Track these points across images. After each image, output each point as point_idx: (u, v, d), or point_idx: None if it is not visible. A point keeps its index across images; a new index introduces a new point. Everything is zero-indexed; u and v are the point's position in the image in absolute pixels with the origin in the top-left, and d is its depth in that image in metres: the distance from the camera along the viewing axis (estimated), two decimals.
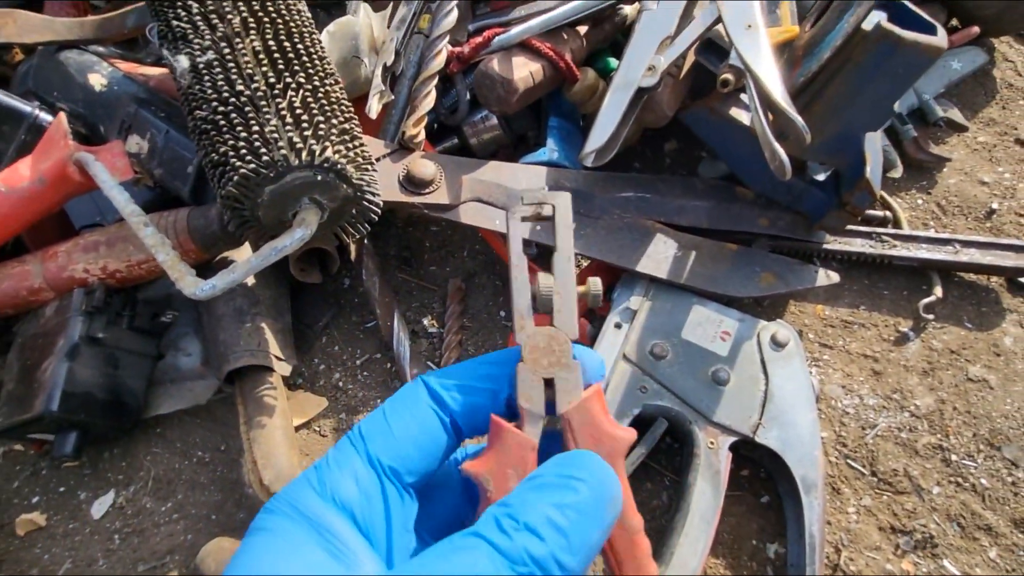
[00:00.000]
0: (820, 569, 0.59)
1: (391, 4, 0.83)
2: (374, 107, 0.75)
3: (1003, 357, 0.72)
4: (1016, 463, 0.66)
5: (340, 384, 0.79)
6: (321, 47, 0.65)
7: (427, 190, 0.74)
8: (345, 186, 0.60)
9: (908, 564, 0.63)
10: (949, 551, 0.63)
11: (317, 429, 0.76)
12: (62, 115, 0.72)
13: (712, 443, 0.64)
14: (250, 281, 0.76)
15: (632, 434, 0.34)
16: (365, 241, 0.80)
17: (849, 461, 0.68)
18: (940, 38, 0.60)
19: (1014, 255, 0.74)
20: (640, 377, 0.67)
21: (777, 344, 0.68)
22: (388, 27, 0.82)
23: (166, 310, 0.78)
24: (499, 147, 0.87)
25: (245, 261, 0.61)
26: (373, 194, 0.64)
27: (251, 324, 0.73)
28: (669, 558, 0.60)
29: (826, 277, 0.73)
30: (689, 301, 0.71)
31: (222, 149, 0.56)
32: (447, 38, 0.77)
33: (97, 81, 0.84)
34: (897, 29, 0.59)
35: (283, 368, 0.74)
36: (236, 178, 0.55)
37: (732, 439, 0.64)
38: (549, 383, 0.36)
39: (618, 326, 0.70)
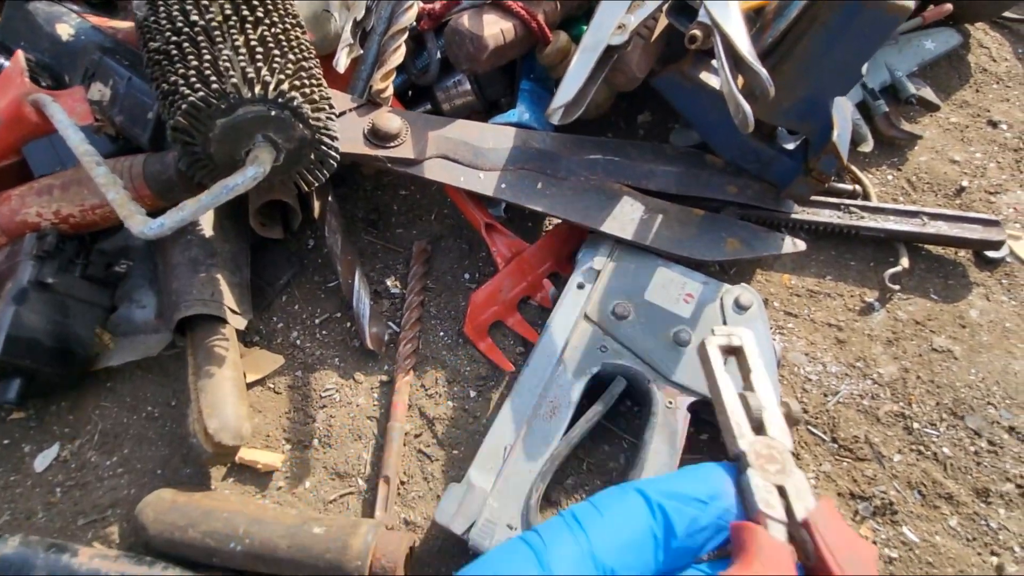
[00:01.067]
0: None
1: None
2: (342, 61, 0.74)
3: (968, 329, 0.71)
4: (979, 432, 0.65)
5: (298, 342, 0.77)
6: None
7: (392, 144, 0.73)
8: (301, 126, 0.59)
9: (866, 530, 0.61)
10: (909, 518, 0.62)
11: (272, 386, 0.74)
12: (19, 53, 0.70)
13: (671, 403, 0.63)
14: (208, 233, 0.75)
15: (874, 550, 0.35)
16: (329, 197, 0.79)
17: (810, 427, 0.67)
18: None
19: (981, 228, 0.74)
20: (600, 337, 0.66)
21: (740, 307, 0.67)
22: None
23: (121, 260, 0.76)
24: (472, 113, 0.86)
25: (195, 200, 0.59)
26: (331, 138, 0.63)
27: (206, 274, 0.71)
28: None
29: (792, 245, 0.72)
30: (654, 263, 0.70)
31: (172, 78, 0.54)
32: None
33: (64, 31, 0.83)
34: None
35: (237, 322, 0.72)
36: (185, 107, 0.53)
37: (691, 399, 0.63)
38: (780, 490, 0.38)
39: (580, 286, 0.69)
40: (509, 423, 0.63)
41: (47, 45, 0.83)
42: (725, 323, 0.66)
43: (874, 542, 0.61)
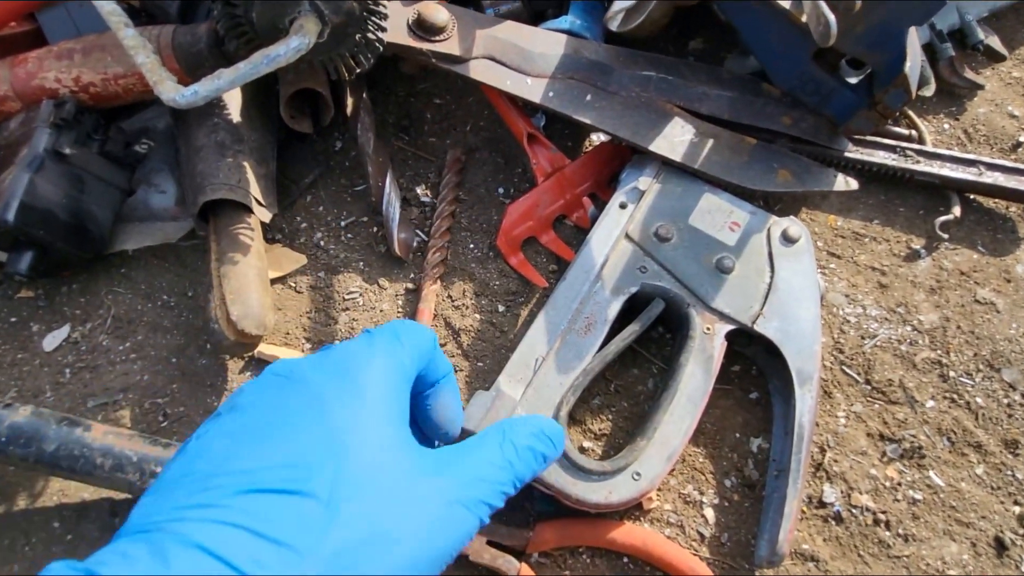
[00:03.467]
0: (804, 465, 0.57)
1: None
2: None
3: (1013, 284, 0.69)
4: (1014, 386, 0.64)
5: (321, 244, 0.74)
6: None
7: (438, 37, 0.68)
8: None
9: (893, 471, 0.61)
10: (936, 463, 0.61)
11: (293, 285, 0.72)
12: None
13: (708, 328, 0.61)
14: (236, 119, 0.71)
15: None
16: (363, 95, 0.75)
17: (844, 368, 0.65)
18: None
19: None
20: (641, 257, 0.64)
21: (788, 240, 0.64)
22: None
23: (141, 140, 0.72)
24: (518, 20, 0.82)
25: (233, 68, 0.56)
26: (380, 16, 0.59)
27: (233, 160, 0.67)
28: (652, 433, 0.57)
29: (845, 183, 0.70)
30: (700, 188, 0.67)
31: None
32: None
33: None
34: None
35: (263, 214, 0.69)
36: None
37: (729, 327, 0.61)
38: None
39: (623, 206, 0.66)
40: (542, 335, 0.61)
41: None
42: (771, 255, 0.64)
43: (899, 484, 0.60)
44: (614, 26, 0.66)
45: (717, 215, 0.66)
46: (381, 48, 0.62)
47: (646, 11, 0.66)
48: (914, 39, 0.67)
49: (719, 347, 0.61)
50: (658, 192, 0.67)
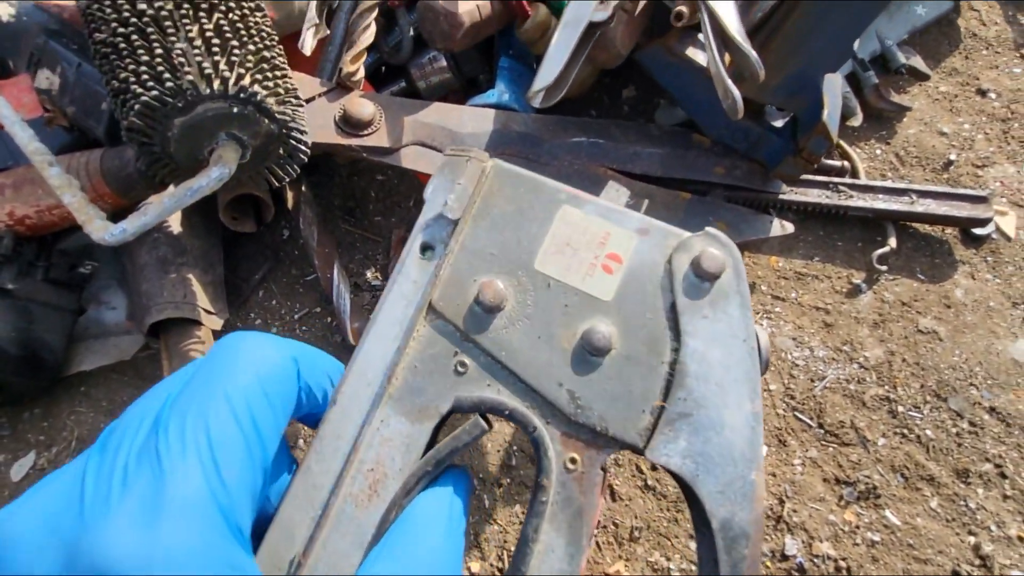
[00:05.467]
0: None
1: None
2: (308, 42, 0.70)
3: (953, 309, 0.71)
4: (961, 414, 0.66)
5: None
6: None
7: (365, 131, 0.69)
8: (267, 121, 0.56)
9: (851, 514, 0.62)
10: (892, 501, 0.63)
11: None
12: None
13: (573, 461, 0.33)
14: (176, 230, 0.71)
15: None
16: (303, 188, 0.76)
17: (797, 413, 0.67)
18: None
19: (969, 205, 0.73)
20: (457, 345, 0.33)
21: (702, 275, 0.33)
22: None
23: (85, 261, 0.73)
24: (449, 91, 0.83)
25: (158, 203, 0.56)
26: (300, 131, 0.59)
27: (176, 275, 0.68)
28: None
29: (780, 227, 0.71)
30: (554, 193, 0.35)
31: (122, 75, 0.50)
32: None
33: (4, 11, 0.77)
34: None
35: (213, 322, 0.69)
36: (138, 107, 0.50)
37: (607, 455, 0.33)
38: None
39: (425, 250, 0.35)
40: (300, 510, 0.31)
41: None
42: (674, 311, 0.33)
43: (857, 527, 0.62)
44: (537, 103, 0.67)
45: (582, 246, 0.35)
46: (306, 156, 0.62)
47: (566, 86, 0.67)
48: (833, 83, 0.69)
49: (594, 486, 0.33)
50: (482, 215, 0.35)
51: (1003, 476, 0.63)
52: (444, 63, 0.79)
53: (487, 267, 0.35)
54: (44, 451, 0.70)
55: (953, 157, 0.79)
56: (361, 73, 0.71)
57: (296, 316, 0.76)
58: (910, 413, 0.66)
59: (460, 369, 0.34)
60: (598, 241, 0.35)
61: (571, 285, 0.35)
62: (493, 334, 0.34)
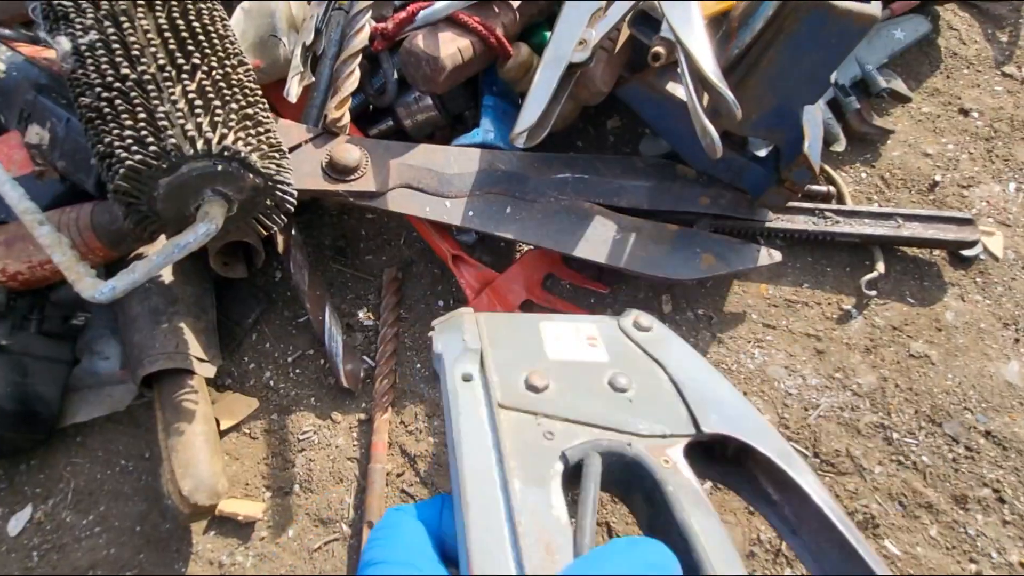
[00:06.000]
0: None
1: None
2: (294, 90, 0.71)
3: (944, 332, 0.71)
4: (956, 439, 0.66)
5: (271, 383, 0.75)
6: (223, 25, 0.60)
7: (352, 177, 0.70)
8: (251, 175, 0.56)
9: None
10: (891, 530, 0.63)
11: (247, 431, 0.73)
12: None
13: (667, 461, 0.41)
14: (168, 279, 0.72)
15: None
16: (293, 232, 0.76)
17: (792, 443, 0.67)
18: (874, 6, 0.58)
19: (956, 228, 0.73)
20: (534, 421, 0.41)
21: (642, 329, 0.49)
22: (308, 3, 0.77)
23: (78, 312, 0.73)
24: (435, 128, 0.83)
25: (146, 260, 0.57)
26: (286, 183, 0.60)
27: (168, 324, 0.68)
28: None
29: (768, 256, 0.71)
30: (530, 321, 0.50)
31: (107, 139, 0.51)
32: (369, 13, 0.72)
33: None
34: None
35: (206, 370, 0.70)
36: (123, 171, 0.50)
37: (680, 444, 0.42)
38: None
39: (467, 379, 0.45)
40: None
41: None
42: (643, 349, 0.48)
43: None
44: (520, 143, 0.68)
45: (567, 338, 0.49)
46: (293, 205, 0.63)
47: (549, 125, 0.68)
48: (814, 113, 0.69)
49: (690, 473, 0.41)
50: (493, 345, 0.47)
51: (1002, 501, 0.63)
52: (430, 102, 0.80)
53: (519, 368, 0.46)
54: (41, 503, 0.70)
55: (938, 178, 0.80)
56: (346, 119, 0.72)
57: (290, 359, 0.76)
58: (905, 439, 0.66)
59: (548, 436, 0.42)
60: (573, 331, 0.49)
61: (580, 359, 0.47)
62: (552, 404, 0.44)
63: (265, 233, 0.65)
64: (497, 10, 0.75)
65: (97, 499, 0.70)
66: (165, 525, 0.69)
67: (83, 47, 0.54)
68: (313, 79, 0.73)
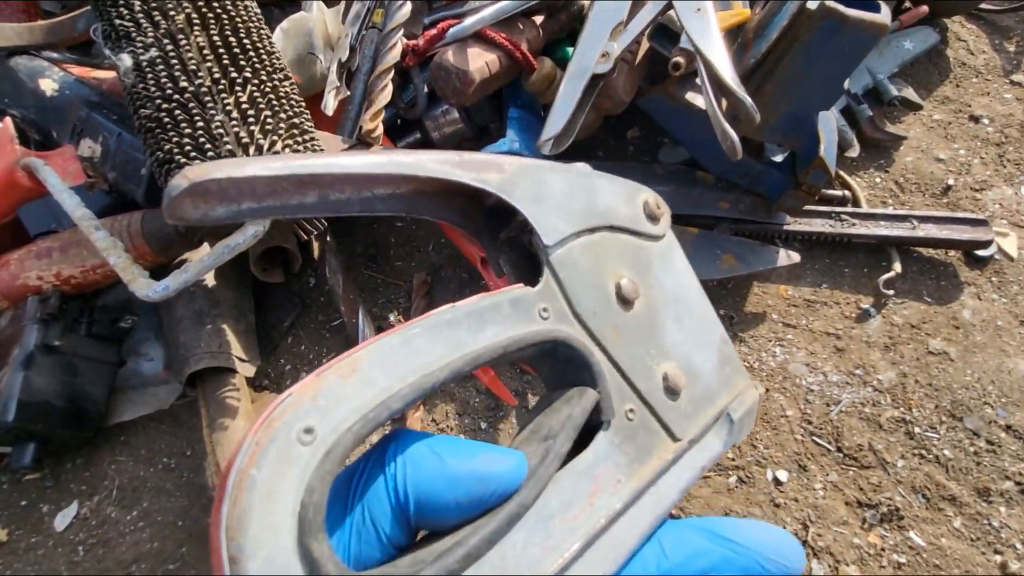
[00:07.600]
0: None
1: (345, 0, 0.83)
2: (330, 104, 0.75)
3: (962, 330, 0.73)
4: (977, 433, 0.67)
5: None
6: (270, 42, 0.64)
7: None
8: None
9: (875, 537, 0.63)
10: (915, 522, 0.64)
11: None
12: (8, 120, 0.70)
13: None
14: (210, 283, 0.75)
15: None
16: (328, 238, 0.80)
17: (815, 438, 0.68)
18: (884, 15, 0.61)
19: (970, 229, 0.75)
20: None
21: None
22: (343, 23, 0.81)
23: (125, 315, 0.77)
24: (462, 140, 0.87)
25: (198, 260, 0.60)
26: None
27: (212, 326, 0.72)
28: None
29: (787, 257, 0.74)
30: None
31: (167, 147, 0.55)
32: (401, 31, 0.77)
33: (48, 86, 0.83)
34: (840, 7, 0.59)
35: (246, 369, 0.73)
36: None
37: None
38: None
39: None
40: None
41: (31, 101, 0.82)
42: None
43: (883, 549, 0.63)
44: (547, 151, 0.71)
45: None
46: None
47: (574, 134, 0.71)
48: (828, 119, 0.72)
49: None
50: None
51: None
52: (456, 115, 0.84)
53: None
54: (86, 500, 0.73)
55: (951, 182, 0.82)
56: (380, 130, 0.76)
57: (324, 361, 0.79)
58: (927, 434, 0.67)
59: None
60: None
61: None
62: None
63: (305, 237, 0.68)
64: (522, 27, 0.79)
65: (140, 495, 0.73)
66: (206, 519, 0.71)
67: (144, 63, 0.58)
68: (348, 93, 0.77)
